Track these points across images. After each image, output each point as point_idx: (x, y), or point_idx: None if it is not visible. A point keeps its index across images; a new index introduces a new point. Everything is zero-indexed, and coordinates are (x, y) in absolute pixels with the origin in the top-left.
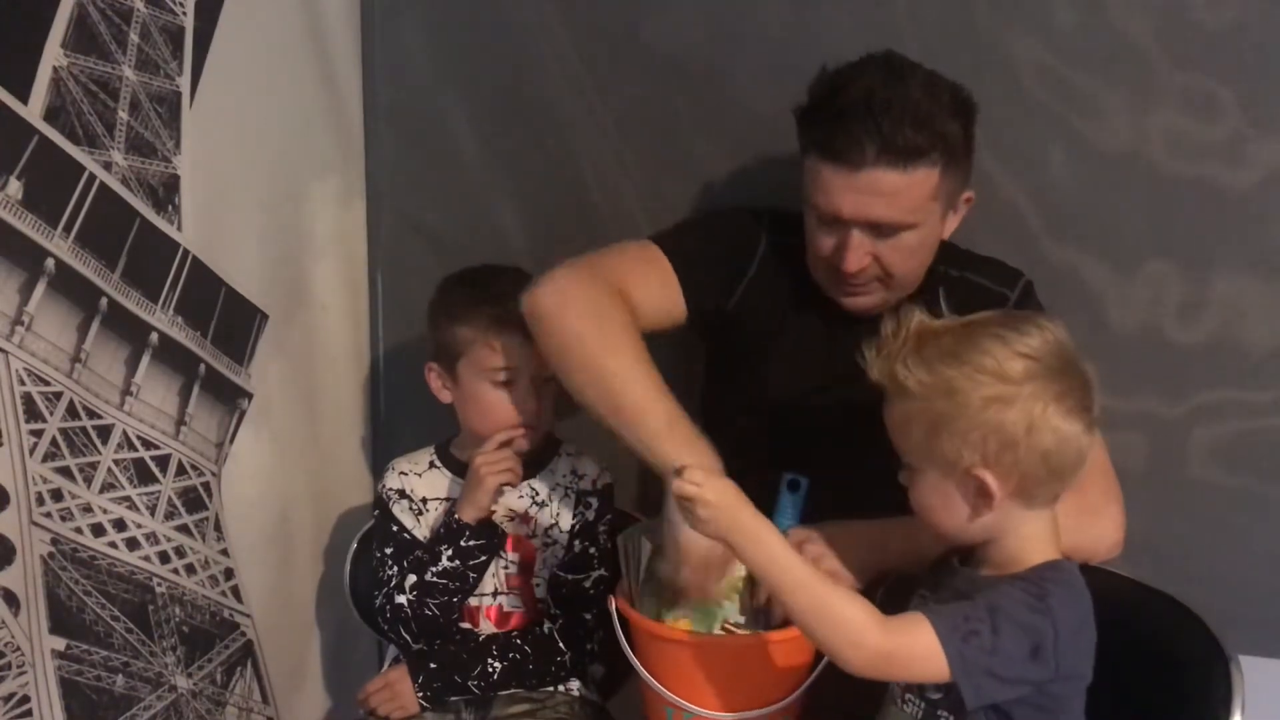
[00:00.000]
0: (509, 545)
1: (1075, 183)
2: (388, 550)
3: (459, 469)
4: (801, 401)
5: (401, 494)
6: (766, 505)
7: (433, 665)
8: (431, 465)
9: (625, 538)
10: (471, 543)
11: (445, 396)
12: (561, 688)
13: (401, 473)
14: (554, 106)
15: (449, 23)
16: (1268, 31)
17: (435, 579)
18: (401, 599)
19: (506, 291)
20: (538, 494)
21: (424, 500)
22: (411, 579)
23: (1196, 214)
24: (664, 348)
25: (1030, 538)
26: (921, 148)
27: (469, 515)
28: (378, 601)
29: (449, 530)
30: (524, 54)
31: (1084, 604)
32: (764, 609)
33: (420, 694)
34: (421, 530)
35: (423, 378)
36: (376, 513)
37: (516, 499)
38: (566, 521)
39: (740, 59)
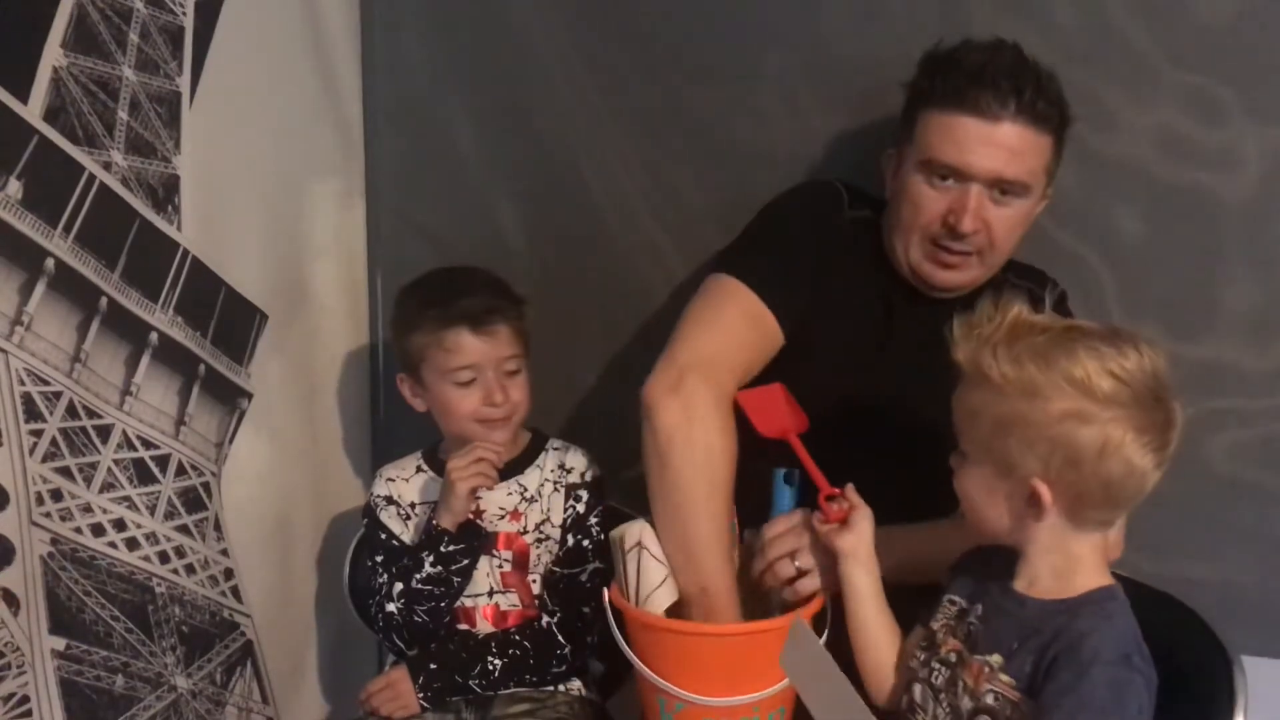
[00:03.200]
0: (501, 543)
1: (1074, 183)
2: (378, 558)
3: (442, 470)
4: (847, 396)
5: (389, 500)
6: (764, 504)
7: (433, 666)
8: (419, 470)
9: (616, 533)
10: (451, 548)
11: (419, 405)
12: (562, 687)
13: (389, 479)
14: (554, 106)
15: (449, 23)
16: (1268, 31)
17: (420, 585)
18: (391, 607)
19: (453, 291)
20: (526, 490)
21: (412, 505)
22: (399, 587)
23: (1196, 214)
24: None
25: (1079, 559)
26: (1050, 116)
27: (447, 521)
28: (371, 610)
29: (429, 537)
30: (524, 54)
31: (1134, 625)
32: (763, 595)
33: (421, 694)
34: (410, 535)
35: None
36: (366, 521)
37: (506, 496)
38: (558, 516)
39: (740, 58)
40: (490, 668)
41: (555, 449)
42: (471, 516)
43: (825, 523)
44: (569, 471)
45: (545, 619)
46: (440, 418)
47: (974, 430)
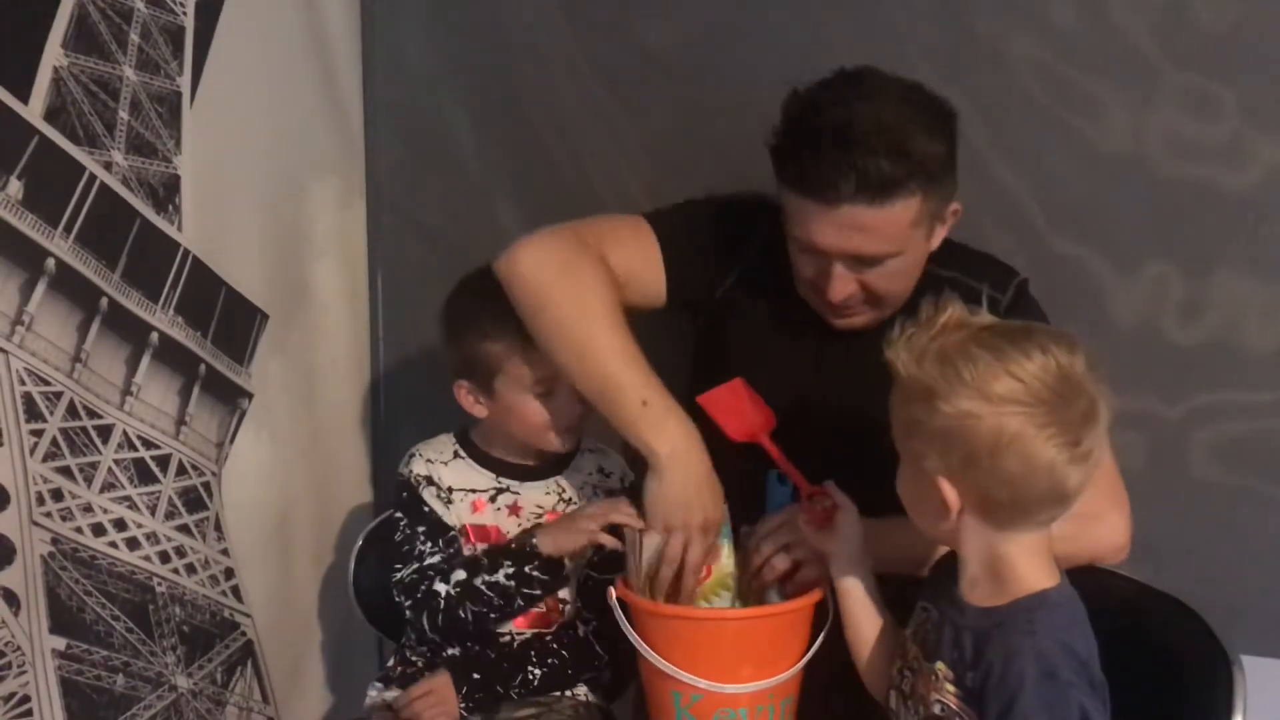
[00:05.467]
0: None
1: (1075, 183)
2: (420, 529)
3: (482, 460)
4: (791, 405)
5: (429, 480)
6: (756, 501)
7: (476, 676)
8: (456, 455)
9: (633, 531)
10: (536, 573)
11: (480, 412)
12: (568, 691)
13: (427, 460)
14: (554, 106)
15: (449, 23)
16: (1268, 31)
17: (484, 588)
18: (441, 588)
19: None
20: (564, 491)
21: (450, 490)
22: (460, 575)
23: (1196, 214)
24: (655, 340)
25: (1010, 561)
26: (899, 179)
27: (546, 547)
28: (402, 574)
29: (520, 550)
30: (524, 54)
31: (1079, 627)
32: (760, 591)
33: (464, 704)
34: (450, 519)
35: (423, 377)
36: (405, 495)
37: (544, 495)
38: None
39: (741, 57)
40: (530, 676)
41: (591, 450)
42: (556, 556)
43: (809, 523)
44: (608, 475)
45: (582, 628)
46: (510, 426)
47: (895, 429)
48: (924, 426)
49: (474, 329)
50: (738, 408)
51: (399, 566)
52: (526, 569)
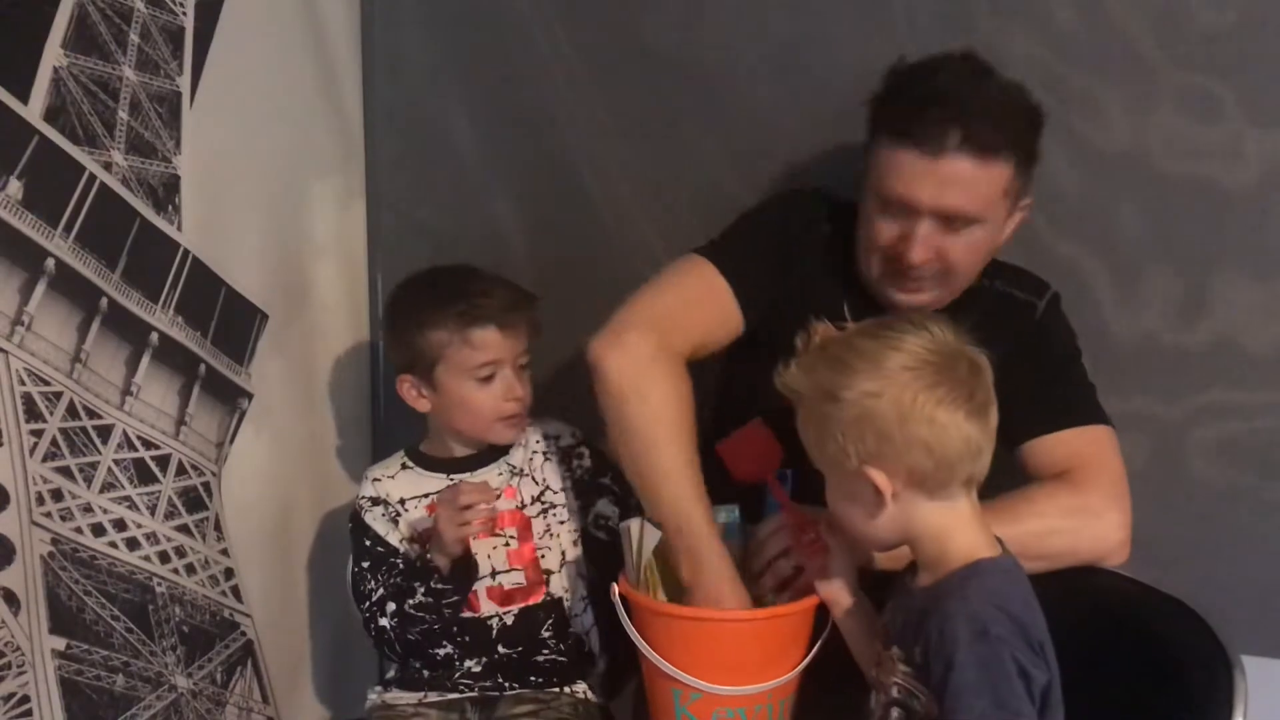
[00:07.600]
0: (505, 521)
1: (1075, 183)
2: (365, 564)
3: (431, 464)
4: None
5: (375, 501)
6: (762, 497)
7: None
8: (404, 466)
9: (627, 525)
10: (445, 585)
11: (423, 406)
12: (566, 689)
13: (375, 480)
14: (554, 106)
15: (449, 23)
16: (1268, 31)
17: (413, 610)
18: (384, 622)
19: (472, 288)
20: (515, 466)
21: (401, 501)
22: (391, 606)
23: (1196, 214)
24: None
25: (954, 531)
26: (1000, 144)
27: (440, 561)
28: (362, 614)
29: (423, 569)
30: (524, 54)
31: (1015, 590)
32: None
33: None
34: (402, 533)
35: None
36: (350, 527)
37: (496, 476)
38: (557, 482)
39: (740, 58)
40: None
41: (530, 424)
42: (468, 545)
43: (802, 556)
44: (556, 439)
45: (581, 628)
46: (454, 417)
47: (809, 448)
48: (834, 423)
49: (414, 320)
50: (755, 449)
51: (361, 609)
52: (435, 584)
